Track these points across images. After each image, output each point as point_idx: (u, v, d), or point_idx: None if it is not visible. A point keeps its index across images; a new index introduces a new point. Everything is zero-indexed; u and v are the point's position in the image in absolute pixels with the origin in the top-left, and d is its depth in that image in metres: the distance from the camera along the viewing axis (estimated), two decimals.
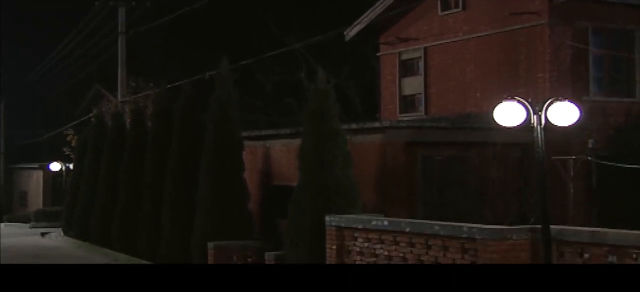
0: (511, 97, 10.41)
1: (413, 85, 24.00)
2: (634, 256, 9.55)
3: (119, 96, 31.01)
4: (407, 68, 24.31)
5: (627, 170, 17.72)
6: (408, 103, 24.25)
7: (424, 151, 18.06)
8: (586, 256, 10.15)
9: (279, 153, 20.51)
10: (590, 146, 18.64)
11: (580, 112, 10.50)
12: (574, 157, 17.04)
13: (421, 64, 23.55)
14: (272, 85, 36.19)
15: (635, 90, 20.65)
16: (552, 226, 10.43)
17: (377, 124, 18.78)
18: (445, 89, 22.73)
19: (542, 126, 10.37)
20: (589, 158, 17.63)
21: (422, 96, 23.49)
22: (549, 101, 10.46)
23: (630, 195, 17.58)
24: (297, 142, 16.34)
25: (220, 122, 18.55)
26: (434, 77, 23.11)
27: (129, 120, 26.24)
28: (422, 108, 23.49)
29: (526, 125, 13.43)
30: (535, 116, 10.34)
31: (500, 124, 10.55)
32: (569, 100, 10.43)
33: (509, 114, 10.40)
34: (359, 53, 32.04)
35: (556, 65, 19.74)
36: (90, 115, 32.03)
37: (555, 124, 10.50)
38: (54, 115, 45.84)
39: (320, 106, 14.82)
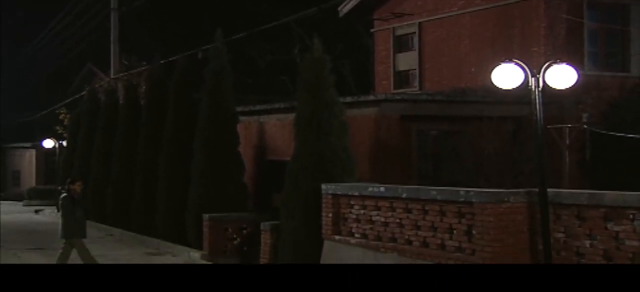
0: (509, 60, 10.39)
1: (407, 60, 23.97)
2: (631, 216, 9.58)
3: (111, 73, 30.88)
4: (401, 44, 24.27)
5: (621, 144, 17.78)
6: (402, 79, 24.23)
7: (419, 124, 18.07)
8: (583, 218, 10.18)
9: (273, 128, 20.49)
10: (584, 120, 18.66)
11: (578, 75, 10.49)
12: (569, 125, 17.08)
13: (416, 39, 23.51)
14: (265, 65, 36.15)
15: (630, 64, 20.66)
16: (548, 189, 10.44)
17: (371, 97, 18.76)
18: (439, 64, 22.71)
19: (539, 89, 10.36)
20: (585, 126, 17.67)
21: (417, 72, 23.47)
22: (547, 64, 10.45)
23: (624, 168, 17.65)
24: (291, 117, 16.28)
25: (214, 94, 18.52)
26: (429, 53, 23.09)
27: (122, 97, 26.18)
28: (416, 83, 23.47)
29: (521, 97, 13.48)
30: (533, 79, 10.33)
31: (499, 86, 10.52)
32: (566, 63, 10.41)
33: (507, 76, 10.38)
34: (353, 31, 32.05)
35: (551, 39, 19.74)
36: (83, 93, 31.90)
37: (553, 86, 10.49)
38: (46, 94, 45.65)
39: (315, 75, 14.76)
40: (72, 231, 14.82)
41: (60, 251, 14.98)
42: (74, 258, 14.74)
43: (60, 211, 15.08)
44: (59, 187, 15.62)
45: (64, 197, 14.98)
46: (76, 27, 36.78)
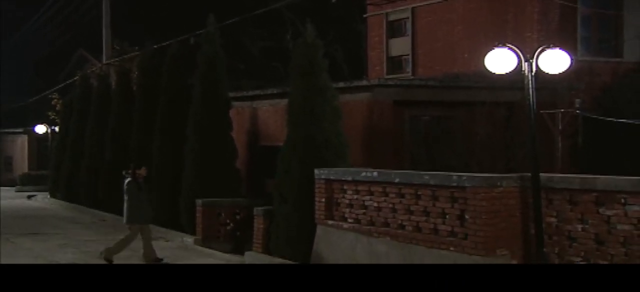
0: (502, 44, 10.38)
1: (400, 46, 23.97)
2: (623, 200, 9.61)
3: (103, 58, 30.78)
4: (394, 29, 24.26)
5: (613, 129, 17.83)
6: (395, 64, 24.24)
7: (412, 110, 18.08)
8: (575, 202, 10.21)
9: (266, 114, 20.48)
10: (577, 105, 18.73)
11: (572, 60, 10.49)
12: (562, 110, 17.13)
13: (409, 24, 23.52)
14: (258, 51, 36.06)
15: (623, 50, 20.70)
16: (541, 174, 10.46)
17: (364, 83, 18.77)
18: (432, 49, 22.71)
19: (533, 74, 10.36)
20: (577, 111, 17.71)
21: (410, 57, 23.48)
22: (540, 49, 10.45)
23: (616, 153, 17.71)
24: (284, 102, 16.27)
25: (207, 79, 18.47)
26: (422, 38, 23.09)
27: (114, 82, 26.11)
28: (409, 69, 23.49)
29: (514, 82, 13.49)
30: (526, 63, 10.33)
31: (492, 71, 10.52)
32: (560, 48, 10.41)
33: (500, 61, 10.38)
34: (346, 17, 31.98)
35: (544, 25, 19.76)
36: (75, 79, 31.77)
37: (546, 71, 10.49)
38: (38, 80, 45.48)
39: (309, 60, 14.72)
40: (137, 216, 14.87)
41: (123, 236, 15.11)
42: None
43: (126, 196, 15.09)
44: (124, 172, 15.62)
45: (129, 182, 15.04)
46: (68, 12, 36.62)
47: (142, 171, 15.28)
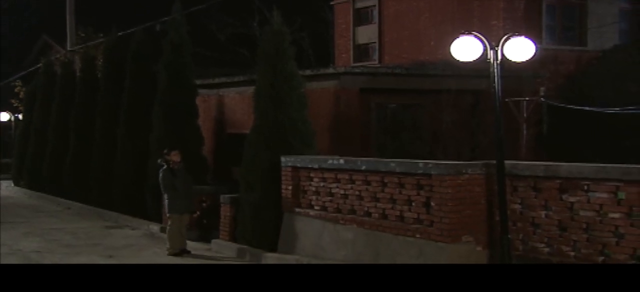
0: (468, 32, 10.43)
1: (367, 34, 24.02)
2: (585, 187, 9.72)
3: (68, 45, 30.43)
4: (361, 17, 24.31)
5: (577, 117, 18.04)
6: (362, 52, 24.29)
7: (378, 97, 18.15)
8: (539, 189, 10.32)
9: (232, 101, 20.42)
10: (541, 93, 18.92)
11: (536, 47, 10.58)
12: (527, 98, 17.29)
13: (375, 12, 23.58)
14: (225, 38, 35.89)
15: (586, 38, 20.93)
16: (506, 161, 10.55)
17: (331, 70, 18.79)
18: (399, 37, 22.78)
19: (498, 62, 10.43)
20: (542, 99, 17.89)
21: (376, 45, 23.55)
22: (505, 37, 10.51)
23: (580, 141, 17.93)
24: (250, 90, 16.20)
25: (173, 66, 18.35)
26: (388, 26, 23.16)
27: (79, 69, 25.83)
28: (376, 57, 23.57)
29: (480, 70, 13.59)
30: (491, 51, 10.39)
31: (457, 58, 10.57)
32: (525, 36, 10.49)
33: (466, 49, 10.41)
34: (313, 4, 31.93)
35: (510, 13, 19.91)
36: (39, 66, 31.39)
37: (512, 59, 10.57)
38: (0, 66, 44.86)
39: (275, 47, 14.67)
40: (176, 206, 14.66)
41: (168, 229, 14.91)
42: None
43: (161, 186, 14.79)
44: (159, 160, 15.18)
45: (164, 170, 14.69)
46: None
47: (173, 156, 14.77)
